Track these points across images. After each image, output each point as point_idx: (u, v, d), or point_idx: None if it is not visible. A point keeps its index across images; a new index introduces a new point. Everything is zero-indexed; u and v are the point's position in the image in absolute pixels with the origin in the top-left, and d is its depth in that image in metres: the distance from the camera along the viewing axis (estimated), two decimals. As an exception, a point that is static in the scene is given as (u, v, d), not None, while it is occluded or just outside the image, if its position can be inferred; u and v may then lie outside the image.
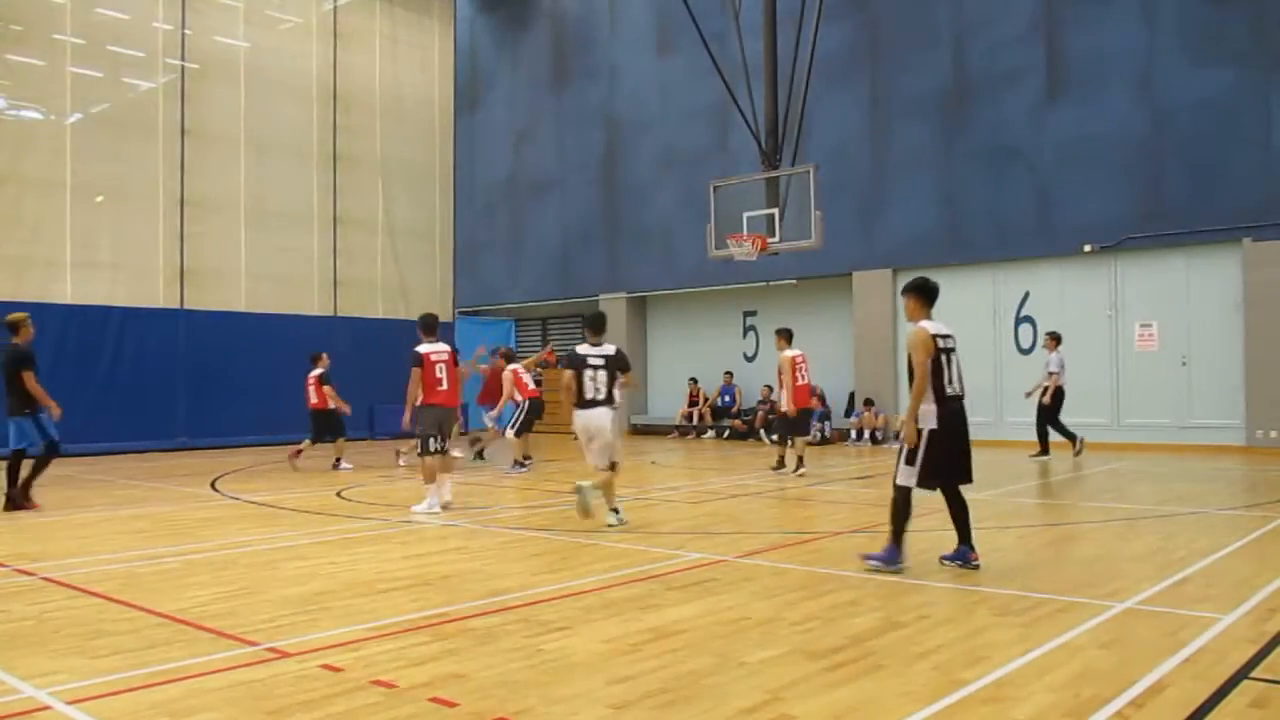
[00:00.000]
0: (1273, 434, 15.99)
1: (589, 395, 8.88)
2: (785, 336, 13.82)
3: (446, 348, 10.31)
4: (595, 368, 8.94)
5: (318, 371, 15.46)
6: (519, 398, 15.01)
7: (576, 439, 9.18)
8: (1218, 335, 16.72)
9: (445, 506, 10.09)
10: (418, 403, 10.10)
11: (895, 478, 6.71)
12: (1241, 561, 7.03)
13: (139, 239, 19.33)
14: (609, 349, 9.14)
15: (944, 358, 6.66)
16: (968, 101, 19.25)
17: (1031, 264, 18.63)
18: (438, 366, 10.06)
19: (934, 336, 6.62)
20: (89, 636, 5.17)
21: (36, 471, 10.49)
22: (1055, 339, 15.65)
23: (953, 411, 6.62)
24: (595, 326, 9.41)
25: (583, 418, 8.91)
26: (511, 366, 15.35)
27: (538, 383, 15.75)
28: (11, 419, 10.29)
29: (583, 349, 9.13)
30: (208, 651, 4.85)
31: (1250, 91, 16.24)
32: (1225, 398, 16.63)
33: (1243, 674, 4.35)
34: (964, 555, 6.76)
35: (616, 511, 8.91)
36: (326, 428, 15.31)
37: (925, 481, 6.66)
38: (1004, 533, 8.55)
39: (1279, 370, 15.92)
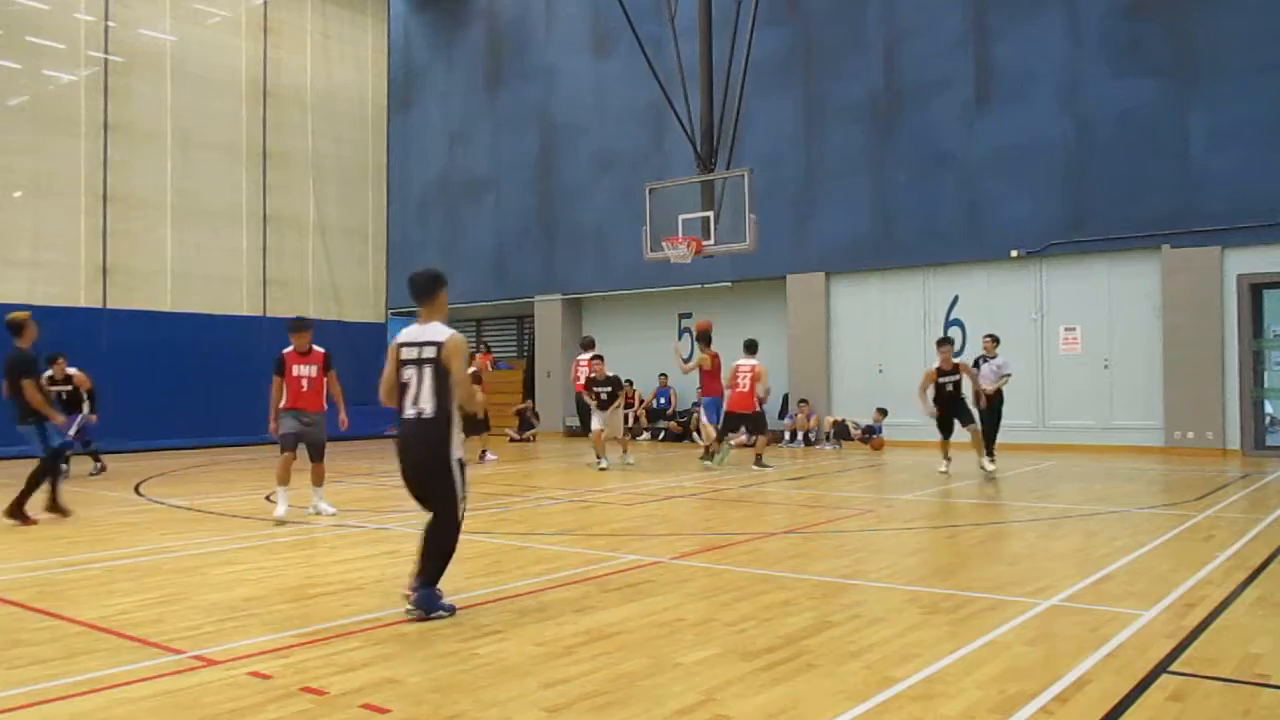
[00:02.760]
0: (1189, 434, 16.50)
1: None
2: (747, 348, 15.65)
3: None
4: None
5: (471, 370, 16.37)
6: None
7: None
8: (1138, 339, 17.21)
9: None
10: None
11: None
12: (1160, 559, 7.24)
13: (60, 236, 18.77)
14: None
15: (405, 370, 5.65)
16: (899, 108, 19.56)
17: (961, 268, 18.99)
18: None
19: (398, 345, 5.74)
20: (6, 646, 5.00)
21: (35, 482, 9.65)
22: (995, 340, 14.71)
23: (400, 434, 5.70)
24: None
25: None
26: (579, 357, 16.55)
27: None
28: (19, 427, 9.79)
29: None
30: (131, 660, 4.73)
31: (1169, 104, 16.75)
32: (1145, 400, 17.12)
33: (1162, 668, 4.48)
34: (421, 599, 5.54)
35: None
36: (475, 422, 16.26)
37: None
38: (932, 532, 8.70)
39: (1195, 373, 16.45)
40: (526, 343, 26.82)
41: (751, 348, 15.56)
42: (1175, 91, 16.73)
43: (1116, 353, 17.44)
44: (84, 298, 19.05)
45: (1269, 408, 17.74)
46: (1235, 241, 16.22)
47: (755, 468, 14.76)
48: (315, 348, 9.89)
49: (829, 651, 4.77)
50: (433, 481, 5.61)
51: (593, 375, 15.49)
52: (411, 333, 5.73)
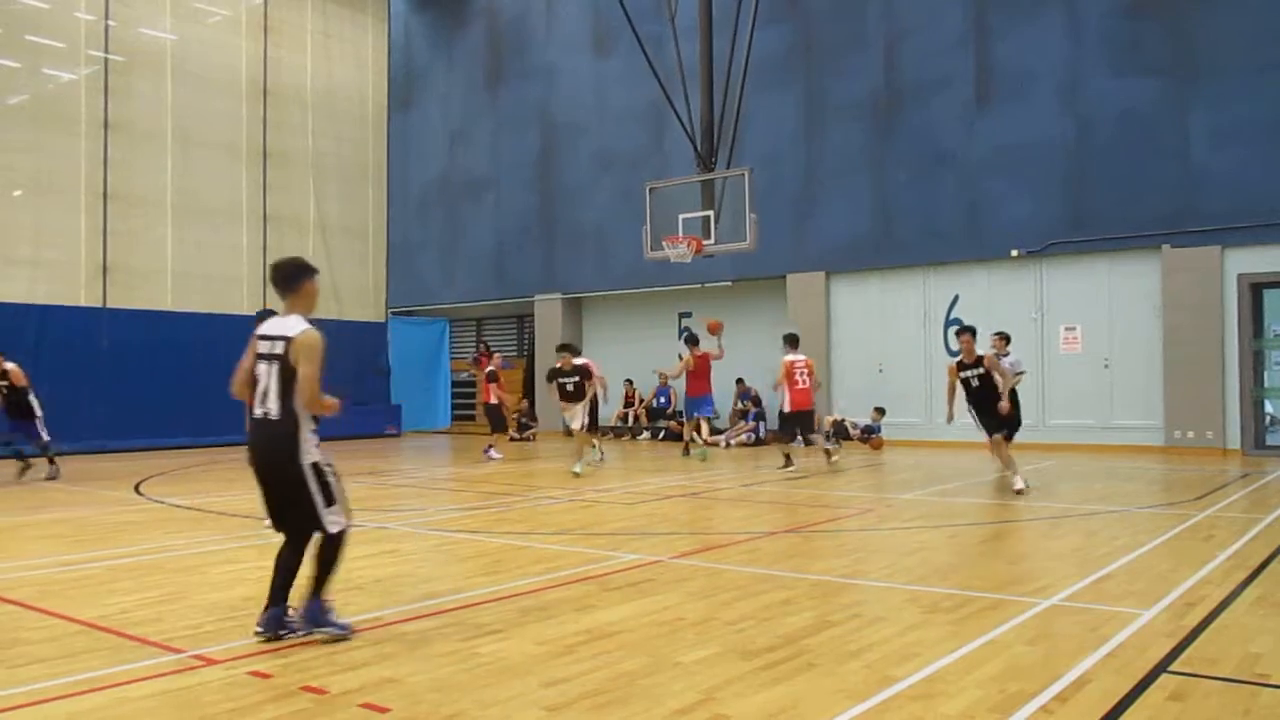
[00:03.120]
0: (1189, 434, 16.50)
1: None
2: (788, 343, 14.91)
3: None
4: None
5: (489, 369, 17.57)
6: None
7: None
8: (1138, 338, 17.20)
9: None
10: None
11: None
12: (1160, 558, 7.24)
13: (60, 235, 18.76)
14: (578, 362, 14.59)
15: (259, 366, 5.20)
16: (899, 107, 19.55)
17: (961, 268, 18.98)
18: None
19: (256, 338, 5.27)
20: (5, 645, 5.00)
21: None
22: (1006, 339, 14.16)
23: (249, 437, 5.24)
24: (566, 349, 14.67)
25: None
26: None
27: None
28: None
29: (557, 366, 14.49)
30: (131, 659, 4.73)
31: (1169, 103, 16.75)
32: (1145, 399, 17.11)
33: (1162, 668, 4.48)
34: (275, 619, 5.08)
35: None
36: (497, 420, 17.57)
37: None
38: (932, 531, 8.70)
39: (1194, 372, 16.45)
40: (527, 342, 26.82)
41: (796, 341, 15.06)
42: (1175, 91, 16.73)
43: (1116, 352, 17.43)
44: (84, 296, 19.05)
45: (1269, 407, 17.74)
46: (1235, 241, 16.21)
47: (831, 463, 14.32)
48: None
49: (829, 651, 4.77)
50: (284, 490, 5.11)
51: (559, 366, 14.65)
52: (270, 325, 5.27)
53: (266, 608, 5.09)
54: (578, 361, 14.99)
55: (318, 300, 5.42)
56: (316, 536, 5.20)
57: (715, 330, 16.70)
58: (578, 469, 13.87)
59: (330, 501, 5.15)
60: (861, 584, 6.48)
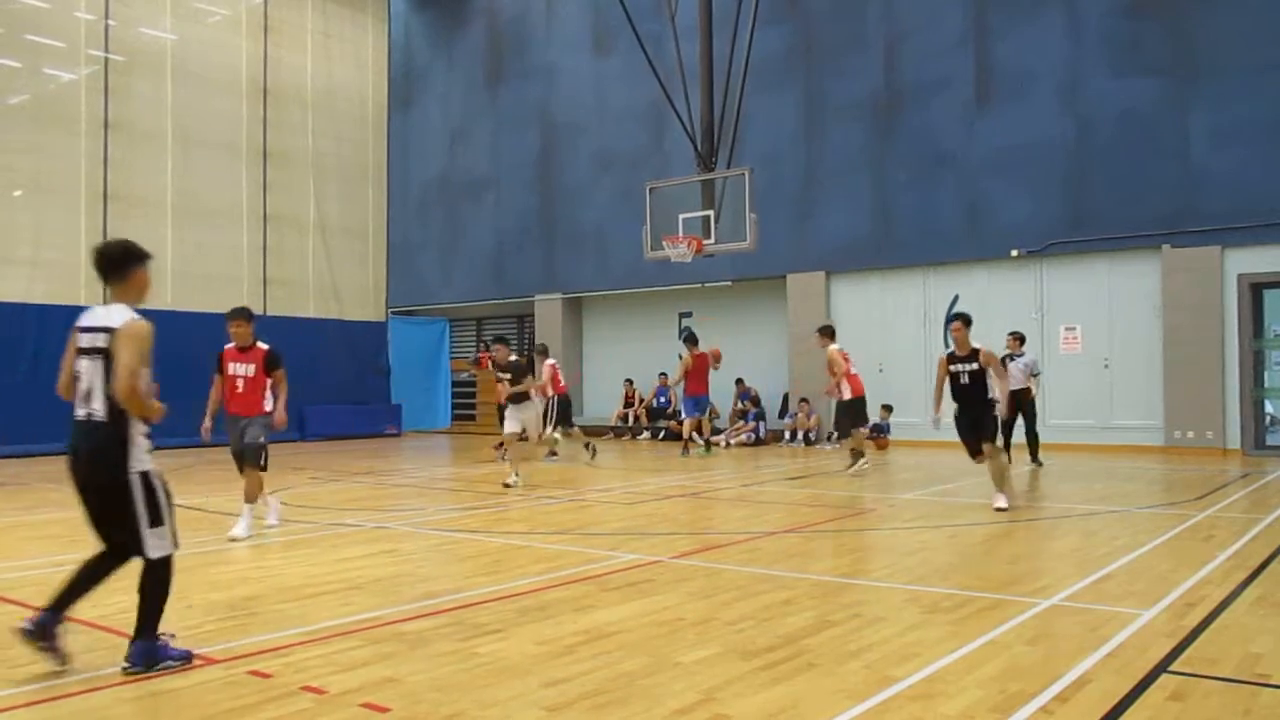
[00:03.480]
0: (1189, 434, 16.49)
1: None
2: (828, 334, 14.35)
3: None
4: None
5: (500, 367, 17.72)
6: (549, 392, 15.97)
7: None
8: (1138, 338, 17.20)
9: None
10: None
11: None
12: (1160, 558, 7.24)
13: (60, 234, 18.75)
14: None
15: (80, 361, 4.65)
16: (899, 108, 19.55)
17: (961, 267, 18.98)
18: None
19: (76, 330, 4.73)
20: (4, 645, 4.99)
21: None
22: (1020, 339, 14.61)
23: (70, 440, 4.62)
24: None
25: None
26: (549, 361, 16.10)
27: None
28: None
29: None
30: (130, 659, 4.72)
31: (1169, 103, 16.75)
32: (1145, 399, 17.11)
33: (1162, 668, 4.48)
34: (42, 624, 4.46)
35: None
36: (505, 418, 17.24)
37: None
38: (933, 531, 8.69)
39: (1194, 373, 16.44)
40: (527, 342, 26.81)
41: (834, 332, 14.50)
42: (1175, 91, 16.72)
43: (1116, 352, 17.43)
44: (84, 296, 18.99)
45: (1269, 407, 17.75)
46: (1235, 241, 16.21)
47: (854, 469, 13.57)
48: (259, 344, 8.82)
49: (829, 651, 4.77)
50: (106, 501, 4.52)
51: (492, 356, 13.60)
52: (91, 316, 4.71)
53: (42, 609, 4.52)
54: (547, 364, 15.06)
55: (149, 291, 4.93)
56: (137, 564, 4.58)
57: (715, 359, 16.89)
58: (511, 480, 12.37)
59: (156, 521, 4.53)
60: (861, 584, 6.48)
